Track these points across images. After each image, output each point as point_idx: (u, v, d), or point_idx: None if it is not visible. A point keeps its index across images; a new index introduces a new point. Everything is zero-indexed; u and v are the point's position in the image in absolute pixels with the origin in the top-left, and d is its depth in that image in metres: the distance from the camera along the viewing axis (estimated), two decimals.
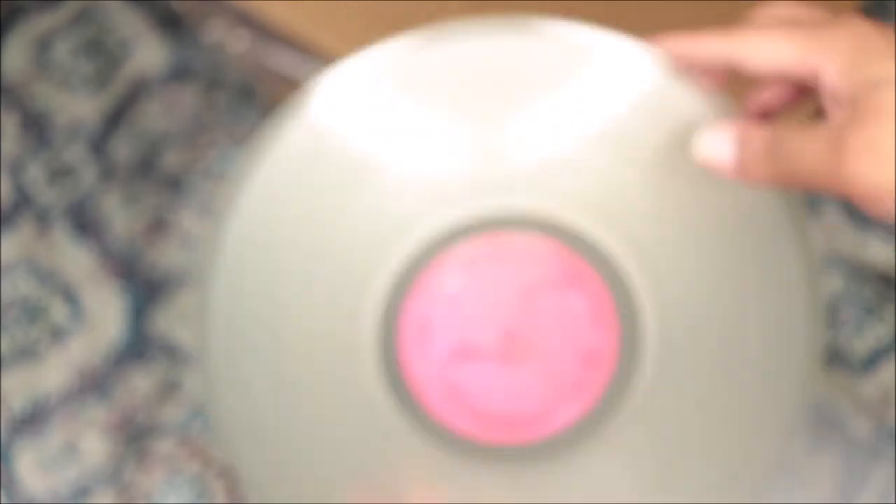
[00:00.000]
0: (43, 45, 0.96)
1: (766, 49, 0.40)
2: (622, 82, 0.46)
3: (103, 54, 0.95)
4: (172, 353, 0.82)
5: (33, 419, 0.79)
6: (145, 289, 0.84)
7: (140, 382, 0.80)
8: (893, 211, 0.37)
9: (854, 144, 0.37)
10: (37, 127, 0.92)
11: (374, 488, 0.48)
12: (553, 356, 0.48)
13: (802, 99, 0.43)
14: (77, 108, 0.93)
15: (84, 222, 0.87)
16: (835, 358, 0.78)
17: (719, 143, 0.42)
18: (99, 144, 0.91)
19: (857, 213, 0.84)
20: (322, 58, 0.85)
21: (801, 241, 0.47)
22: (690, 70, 0.45)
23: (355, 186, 0.46)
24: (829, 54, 0.39)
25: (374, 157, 0.46)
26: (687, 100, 0.46)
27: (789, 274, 0.48)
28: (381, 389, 0.47)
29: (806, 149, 0.39)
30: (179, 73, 0.94)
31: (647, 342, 0.48)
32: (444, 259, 0.47)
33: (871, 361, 0.78)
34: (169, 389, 0.80)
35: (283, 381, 0.47)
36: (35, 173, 0.90)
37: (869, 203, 0.38)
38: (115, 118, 0.93)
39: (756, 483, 0.49)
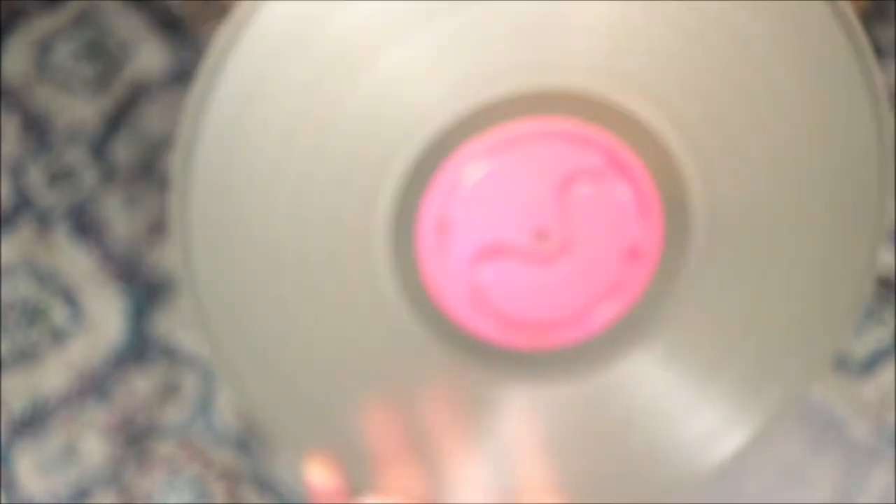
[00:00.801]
0: (43, 48, 0.96)
1: None
2: None
3: (104, 57, 0.95)
4: (172, 355, 0.82)
5: (33, 421, 0.79)
6: (145, 291, 0.84)
7: (140, 384, 0.80)
8: None
9: None
10: (37, 129, 0.92)
11: (388, 396, 0.44)
12: (590, 253, 0.43)
13: None
14: (77, 110, 0.93)
15: (84, 224, 0.87)
16: (836, 361, 0.79)
17: None
18: (99, 147, 0.91)
19: None
20: None
21: (874, 96, 0.42)
22: None
23: (361, 68, 0.40)
24: None
25: (379, 36, 0.40)
26: None
27: (858, 142, 0.43)
28: (396, 292, 0.42)
29: None
30: (180, 76, 0.94)
31: (695, 233, 0.43)
32: (468, 147, 0.41)
33: (871, 364, 0.78)
34: (169, 391, 0.80)
35: (285, 289, 0.42)
36: (35, 175, 0.90)
37: None
38: (116, 120, 0.93)
39: (803, 380, 0.45)
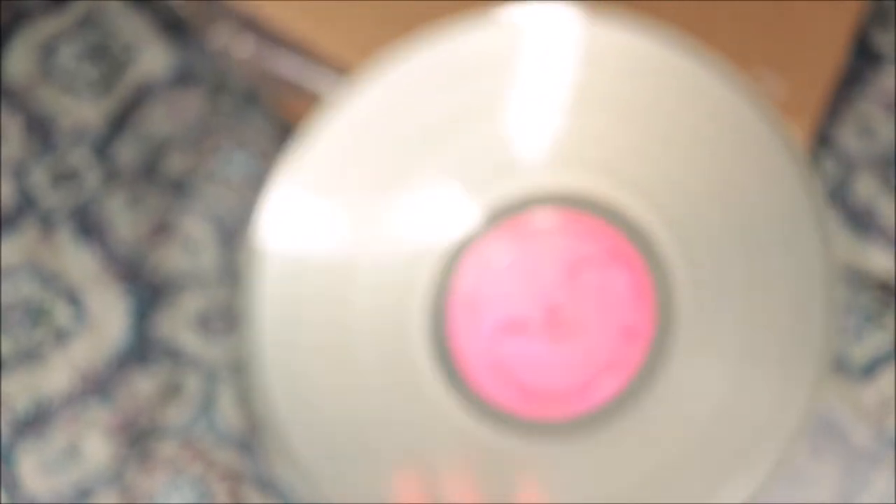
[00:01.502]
0: (47, 50, 0.96)
1: None
2: (640, 60, 0.48)
3: (107, 59, 0.96)
4: (175, 356, 0.82)
5: (36, 421, 0.79)
6: (149, 292, 0.84)
7: (143, 385, 0.81)
8: None
9: None
10: (41, 130, 0.92)
11: (417, 461, 0.49)
12: (595, 332, 0.49)
13: None
14: (81, 111, 0.93)
15: (88, 225, 0.87)
16: (837, 365, 0.79)
17: None
18: (103, 148, 0.92)
19: (855, 221, 0.84)
20: (326, 63, 0.86)
21: (819, 217, 0.49)
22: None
23: (393, 188, 0.48)
24: None
25: (404, 166, 0.47)
26: (702, 73, 0.48)
27: (809, 247, 0.49)
28: (430, 364, 0.48)
29: None
30: (184, 78, 0.94)
31: (682, 315, 0.49)
32: (492, 236, 0.48)
33: (871, 368, 0.78)
34: (172, 392, 0.80)
35: (333, 359, 0.48)
36: (39, 177, 0.90)
37: None
38: (120, 122, 0.93)
39: (792, 435, 0.51)
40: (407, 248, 0.48)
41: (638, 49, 0.49)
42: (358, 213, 0.47)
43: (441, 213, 0.48)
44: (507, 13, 0.48)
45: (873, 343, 0.79)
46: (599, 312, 0.49)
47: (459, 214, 0.48)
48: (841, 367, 0.78)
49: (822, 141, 0.88)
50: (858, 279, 0.82)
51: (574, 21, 0.48)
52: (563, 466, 0.50)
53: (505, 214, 0.48)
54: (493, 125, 0.48)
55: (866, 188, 0.86)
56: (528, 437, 0.49)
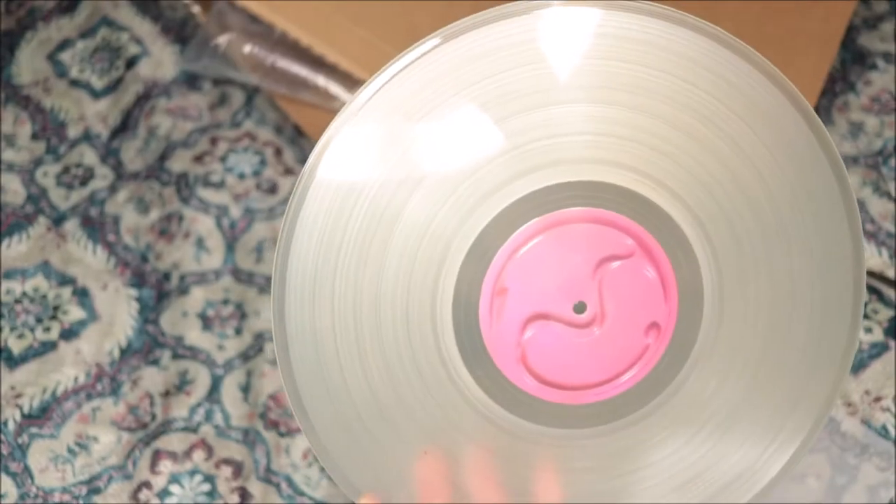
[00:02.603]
0: (55, 52, 0.97)
1: None
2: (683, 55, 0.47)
3: (114, 60, 0.96)
4: (181, 351, 0.83)
5: (45, 415, 0.80)
6: (156, 288, 0.85)
7: (150, 379, 0.81)
8: None
9: None
10: (50, 131, 0.93)
11: (441, 442, 0.50)
12: (621, 326, 0.49)
13: None
14: (89, 112, 0.94)
15: (96, 223, 0.88)
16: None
17: None
18: (110, 148, 0.92)
19: None
20: (328, 64, 0.87)
21: (848, 200, 0.49)
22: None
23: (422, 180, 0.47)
24: None
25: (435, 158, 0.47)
26: (735, 69, 0.47)
27: (837, 231, 0.49)
28: (457, 349, 0.48)
29: None
30: (190, 79, 0.95)
31: (705, 312, 0.50)
32: (527, 230, 0.48)
33: (861, 361, 0.79)
34: (178, 385, 0.81)
35: (364, 345, 0.48)
36: (48, 176, 0.91)
37: None
38: (126, 122, 0.93)
39: (804, 442, 0.51)
40: (440, 235, 0.48)
41: (673, 42, 0.47)
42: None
43: (476, 203, 0.47)
44: (546, 7, 0.47)
45: (864, 336, 0.80)
46: (626, 308, 0.49)
47: (492, 199, 0.47)
48: None
49: None
50: None
51: (613, 18, 0.47)
52: (583, 451, 0.51)
53: (540, 209, 0.48)
54: (532, 116, 0.47)
55: (856, 184, 0.86)
56: (549, 422, 0.50)
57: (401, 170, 0.47)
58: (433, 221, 0.48)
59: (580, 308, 0.49)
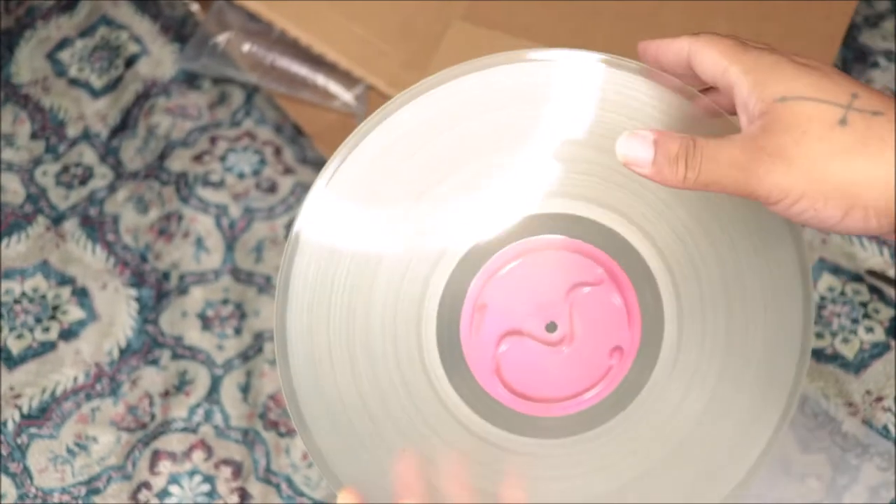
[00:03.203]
0: (55, 51, 0.97)
1: (709, 57, 0.45)
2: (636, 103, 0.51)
3: (114, 59, 0.96)
4: (181, 351, 0.83)
5: (44, 415, 0.80)
6: (155, 288, 0.85)
7: (149, 379, 0.81)
8: (796, 211, 0.42)
9: (764, 151, 0.42)
10: (49, 130, 0.93)
11: (418, 442, 0.53)
12: (587, 346, 0.54)
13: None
14: (88, 111, 0.94)
15: (95, 223, 0.88)
16: (827, 357, 0.79)
17: (637, 145, 0.45)
18: (110, 147, 0.92)
19: None
20: (327, 63, 0.87)
21: (797, 241, 0.53)
22: (661, 73, 0.50)
23: (419, 201, 0.52)
24: (744, 73, 0.44)
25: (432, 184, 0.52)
26: (691, 114, 0.51)
27: (788, 272, 0.54)
28: (438, 360, 0.53)
29: (722, 154, 0.43)
30: (188, 78, 0.95)
31: (666, 337, 0.54)
32: (506, 253, 0.52)
33: (862, 361, 0.79)
34: (178, 386, 0.81)
35: (352, 345, 0.53)
36: (47, 176, 0.91)
37: (774, 204, 0.43)
38: (126, 122, 0.94)
39: (762, 454, 0.55)
40: (428, 251, 0.52)
41: (645, 94, 0.51)
42: (386, 218, 0.52)
43: (461, 225, 0.52)
44: (537, 53, 0.51)
45: (865, 336, 0.80)
46: (593, 330, 0.54)
47: (478, 227, 0.52)
48: (833, 359, 0.79)
49: None
50: (850, 273, 0.82)
51: (596, 67, 0.51)
52: (552, 461, 0.55)
53: (519, 235, 0.52)
54: (515, 154, 0.52)
55: None
56: (519, 430, 0.54)
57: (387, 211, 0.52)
58: (426, 239, 0.52)
59: (552, 328, 0.53)
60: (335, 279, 0.52)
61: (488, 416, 0.54)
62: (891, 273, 0.82)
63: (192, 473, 0.78)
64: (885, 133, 0.41)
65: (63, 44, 0.98)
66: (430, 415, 0.53)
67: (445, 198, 0.52)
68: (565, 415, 0.54)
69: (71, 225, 0.88)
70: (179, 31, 0.97)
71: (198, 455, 0.78)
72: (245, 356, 0.82)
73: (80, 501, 0.76)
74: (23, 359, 0.82)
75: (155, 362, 0.82)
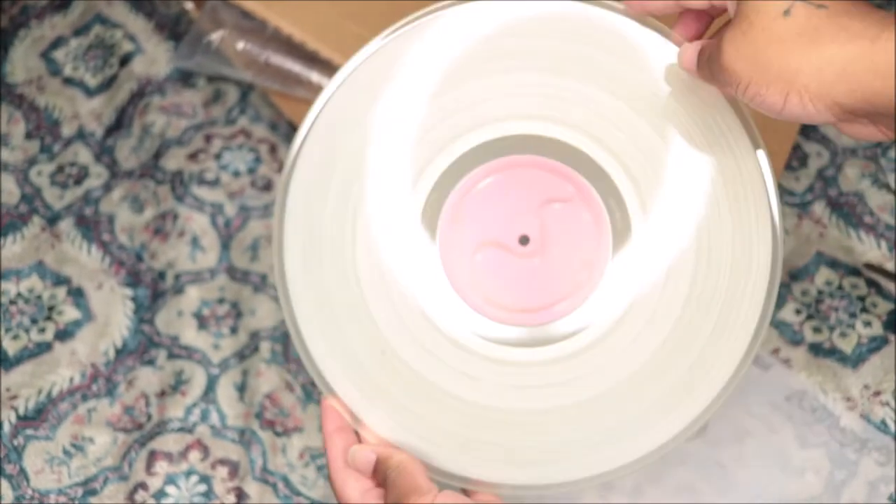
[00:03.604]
0: (49, 50, 0.97)
1: None
2: (606, 37, 0.57)
3: (108, 58, 0.96)
4: (177, 350, 0.83)
5: (40, 416, 0.80)
6: (151, 287, 0.85)
7: (145, 379, 0.81)
8: (749, 96, 0.47)
9: (724, 41, 0.48)
10: (44, 130, 0.93)
11: (397, 342, 0.58)
12: (558, 260, 0.58)
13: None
14: (83, 110, 0.94)
15: (90, 223, 0.88)
16: (825, 352, 0.79)
17: (689, 53, 0.53)
18: (104, 146, 0.92)
19: (845, 209, 0.85)
20: (321, 60, 0.86)
21: (750, 131, 0.57)
22: (648, 15, 0.56)
23: (417, 113, 0.58)
24: None
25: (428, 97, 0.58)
26: (654, 42, 0.56)
27: (754, 186, 0.57)
28: (421, 268, 0.57)
29: (713, 49, 0.49)
30: (183, 76, 0.95)
31: (633, 253, 0.57)
32: (483, 169, 0.57)
33: (860, 355, 0.79)
34: (174, 385, 0.81)
35: (346, 256, 0.58)
36: (42, 175, 0.91)
37: (733, 91, 0.48)
38: (120, 120, 0.93)
39: (734, 374, 0.58)
40: (410, 171, 0.57)
41: (621, 29, 0.57)
42: (377, 137, 0.57)
43: (442, 146, 0.57)
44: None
45: (863, 330, 0.80)
46: (563, 244, 0.58)
47: (457, 148, 0.57)
48: (831, 353, 0.79)
49: (811, 130, 0.88)
50: (848, 267, 0.82)
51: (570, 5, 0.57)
52: (529, 368, 0.58)
53: (495, 153, 0.57)
54: (498, 78, 0.57)
55: (854, 176, 0.86)
56: (489, 334, 0.58)
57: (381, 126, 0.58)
58: (414, 150, 0.57)
59: (524, 240, 0.58)
60: (332, 179, 0.58)
61: (460, 321, 0.57)
62: (889, 267, 0.81)
63: (188, 473, 0.78)
64: (821, 24, 0.45)
65: (57, 43, 0.97)
66: (409, 320, 0.57)
67: (439, 111, 0.57)
68: (536, 325, 0.58)
69: (66, 225, 0.88)
70: (173, 30, 0.97)
71: (194, 455, 0.78)
72: (241, 355, 0.82)
73: (76, 502, 0.76)
74: (19, 360, 0.82)
75: (151, 362, 0.82)
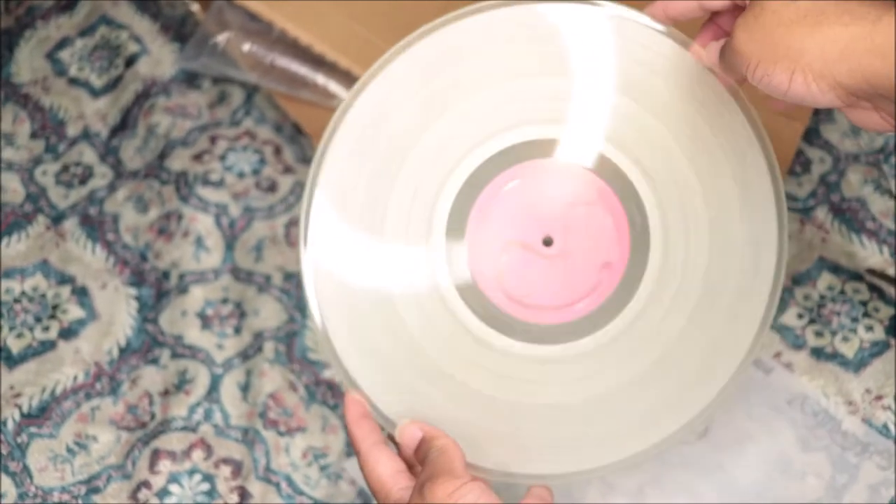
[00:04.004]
0: (54, 50, 0.97)
1: None
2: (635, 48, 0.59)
3: (113, 59, 0.97)
4: (180, 350, 0.83)
5: (44, 414, 0.80)
6: (155, 287, 0.85)
7: (149, 378, 0.81)
8: (758, 76, 0.49)
9: (738, 25, 0.50)
10: (49, 130, 0.93)
11: (424, 334, 0.60)
12: (580, 261, 0.60)
13: None
14: (88, 111, 0.94)
15: (95, 222, 0.88)
16: (826, 356, 0.79)
17: (713, 49, 0.56)
18: (109, 147, 0.92)
19: (847, 215, 0.85)
20: (327, 62, 0.87)
21: (772, 167, 0.60)
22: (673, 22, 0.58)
23: (442, 115, 0.59)
24: None
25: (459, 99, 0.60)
26: (678, 56, 0.58)
27: (762, 191, 0.60)
28: (447, 267, 0.59)
29: (728, 38, 0.52)
30: (188, 77, 0.95)
31: (652, 258, 0.59)
32: (510, 173, 0.59)
33: (862, 360, 0.79)
34: (178, 385, 0.81)
35: (374, 249, 0.59)
36: (47, 175, 0.91)
37: (744, 72, 0.50)
38: (125, 121, 0.94)
39: (741, 365, 0.60)
40: (440, 171, 0.59)
41: (639, 38, 0.59)
42: (400, 141, 0.59)
43: (466, 150, 0.59)
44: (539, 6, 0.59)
45: (865, 335, 0.80)
46: (585, 246, 0.59)
47: (488, 145, 0.59)
48: (833, 358, 0.79)
49: (814, 136, 0.88)
50: (850, 272, 0.82)
51: (590, 15, 0.59)
52: (550, 367, 0.60)
53: (521, 158, 0.59)
54: (523, 84, 0.59)
55: (857, 182, 0.86)
56: (510, 332, 0.59)
57: (420, 113, 0.59)
58: (444, 151, 0.59)
59: (548, 241, 0.59)
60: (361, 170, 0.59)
61: (485, 319, 0.59)
62: (891, 272, 0.82)
63: (191, 472, 0.78)
64: (827, 7, 0.47)
65: (63, 43, 0.98)
66: (437, 319, 0.59)
67: (468, 114, 0.59)
68: (557, 323, 0.60)
69: (71, 224, 0.88)
70: (179, 31, 0.98)
71: (197, 454, 0.78)
72: (245, 355, 0.82)
73: (79, 500, 0.77)
74: (23, 358, 0.82)
75: (155, 361, 0.82)
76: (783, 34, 0.48)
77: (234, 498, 0.77)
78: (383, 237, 0.59)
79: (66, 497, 0.77)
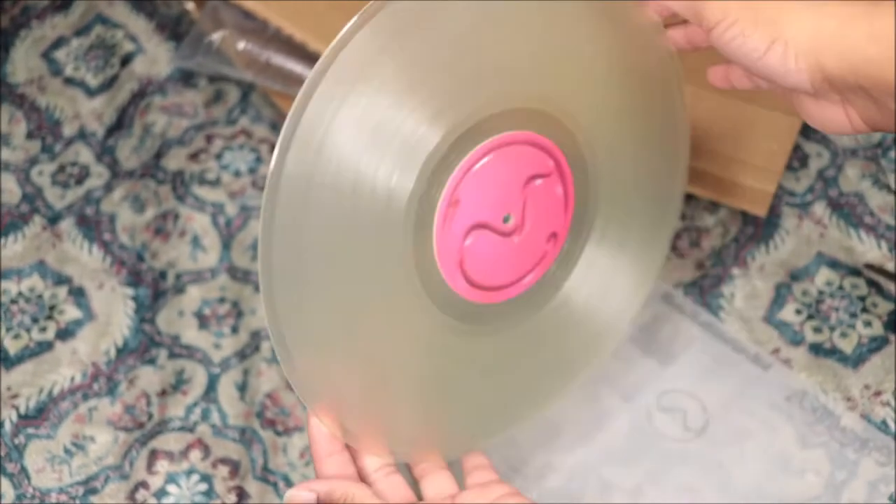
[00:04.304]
0: (50, 50, 0.97)
1: None
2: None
3: (109, 58, 0.96)
4: (178, 350, 0.83)
5: (41, 415, 0.80)
6: (152, 287, 0.85)
7: (146, 378, 0.81)
8: (729, 36, 0.46)
9: None
10: (45, 130, 0.93)
11: (382, 329, 0.56)
12: (532, 234, 0.58)
13: None
14: (84, 110, 0.94)
15: (91, 222, 0.88)
16: (825, 352, 0.79)
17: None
18: (105, 146, 0.92)
19: (845, 210, 0.85)
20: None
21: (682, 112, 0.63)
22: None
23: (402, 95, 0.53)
24: None
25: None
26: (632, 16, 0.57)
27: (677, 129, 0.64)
28: (413, 252, 0.55)
29: None
30: (184, 76, 0.95)
31: (594, 223, 0.61)
32: (481, 147, 0.55)
33: (861, 356, 0.79)
34: (175, 385, 0.81)
35: (335, 238, 0.54)
36: (43, 175, 0.91)
37: (714, 28, 0.47)
38: (121, 120, 0.94)
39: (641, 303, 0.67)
40: (405, 152, 0.53)
41: (592, 11, 0.57)
42: (366, 121, 0.53)
43: (429, 136, 0.53)
44: None
45: (863, 331, 0.80)
46: (538, 219, 0.58)
47: (439, 134, 0.54)
48: (831, 354, 0.79)
49: (812, 131, 0.88)
50: (848, 268, 0.82)
51: None
52: (498, 340, 0.61)
53: (491, 132, 0.55)
54: (472, 62, 0.54)
55: (855, 177, 0.86)
56: (472, 321, 0.59)
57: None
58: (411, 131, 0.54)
59: (507, 219, 0.57)
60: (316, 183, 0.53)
61: (445, 308, 0.57)
62: (889, 267, 0.82)
63: (189, 473, 0.78)
64: None
65: (58, 43, 0.98)
66: (396, 301, 0.56)
67: (442, 83, 0.53)
68: (507, 300, 0.59)
69: (67, 224, 0.88)
70: (174, 30, 0.97)
71: (195, 454, 0.78)
72: (242, 355, 0.82)
73: (77, 501, 0.76)
74: (20, 359, 0.82)
75: (152, 361, 0.82)
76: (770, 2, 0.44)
77: (232, 498, 0.76)
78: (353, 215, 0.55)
79: (63, 498, 0.77)
